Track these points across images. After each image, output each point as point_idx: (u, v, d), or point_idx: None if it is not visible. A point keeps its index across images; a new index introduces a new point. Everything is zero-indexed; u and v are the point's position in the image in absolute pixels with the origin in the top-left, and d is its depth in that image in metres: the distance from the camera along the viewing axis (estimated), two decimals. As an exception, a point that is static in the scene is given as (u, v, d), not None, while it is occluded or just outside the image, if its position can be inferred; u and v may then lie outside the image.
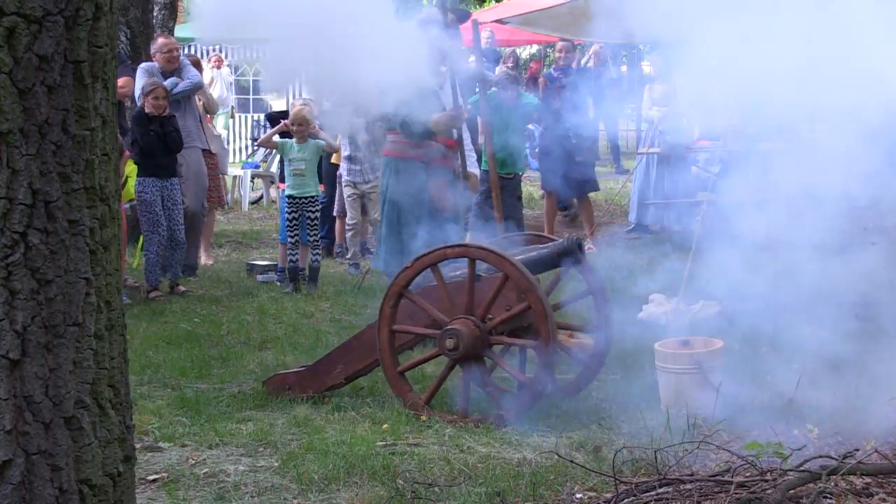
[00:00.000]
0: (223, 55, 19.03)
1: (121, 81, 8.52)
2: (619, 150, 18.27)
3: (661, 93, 11.70)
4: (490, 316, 5.21)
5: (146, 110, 8.55)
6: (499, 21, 10.39)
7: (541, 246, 5.60)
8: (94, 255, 2.53)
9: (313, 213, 8.83)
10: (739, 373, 5.79)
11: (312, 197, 8.84)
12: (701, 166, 10.98)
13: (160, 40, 9.64)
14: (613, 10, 7.68)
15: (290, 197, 8.81)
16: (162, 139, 8.54)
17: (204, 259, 9.96)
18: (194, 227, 9.32)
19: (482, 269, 5.31)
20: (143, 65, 9.52)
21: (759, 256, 5.55)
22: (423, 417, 5.16)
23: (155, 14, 11.29)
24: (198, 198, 9.40)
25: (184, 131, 9.03)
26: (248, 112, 19.99)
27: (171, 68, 9.41)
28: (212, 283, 9.04)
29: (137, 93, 9.26)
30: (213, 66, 17.27)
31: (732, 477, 3.79)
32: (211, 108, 10.64)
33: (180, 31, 10.96)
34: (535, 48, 26.09)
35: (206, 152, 10.05)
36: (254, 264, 9.55)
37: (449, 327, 5.16)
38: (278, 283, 8.98)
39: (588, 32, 10.90)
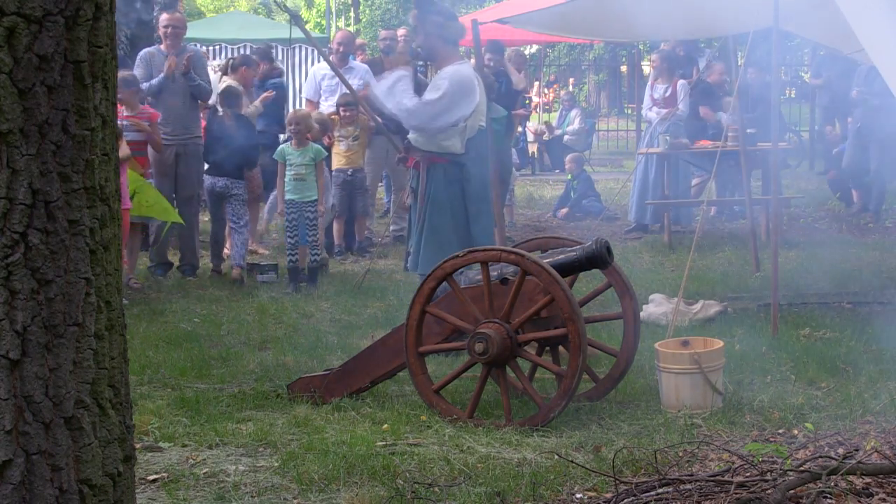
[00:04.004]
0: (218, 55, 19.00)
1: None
2: None
3: (662, 92, 11.70)
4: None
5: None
6: (499, 21, 10.36)
7: (568, 249, 5.49)
8: (94, 255, 2.53)
9: (312, 213, 8.82)
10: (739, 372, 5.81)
11: (312, 200, 8.83)
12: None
13: (164, 15, 9.49)
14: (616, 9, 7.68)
15: (289, 201, 8.80)
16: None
17: (259, 248, 10.47)
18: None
19: (509, 272, 5.26)
20: (141, 53, 9.40)
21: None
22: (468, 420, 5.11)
23: (155, 14, 11.24)
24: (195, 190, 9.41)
25: (181, 124, 9.10)
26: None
27: (175, 49, 9.23)
28: (212, 283, 9.04)
29: (139, 74, 9.10)
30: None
31: (732, 477, 3.80)
32: None
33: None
34: (535, 48, 26.11)
35: None
36: (254, 264, 9.54)
37: (477, 331, 5.08)
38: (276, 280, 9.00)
39: (589, 32, 10.91)
